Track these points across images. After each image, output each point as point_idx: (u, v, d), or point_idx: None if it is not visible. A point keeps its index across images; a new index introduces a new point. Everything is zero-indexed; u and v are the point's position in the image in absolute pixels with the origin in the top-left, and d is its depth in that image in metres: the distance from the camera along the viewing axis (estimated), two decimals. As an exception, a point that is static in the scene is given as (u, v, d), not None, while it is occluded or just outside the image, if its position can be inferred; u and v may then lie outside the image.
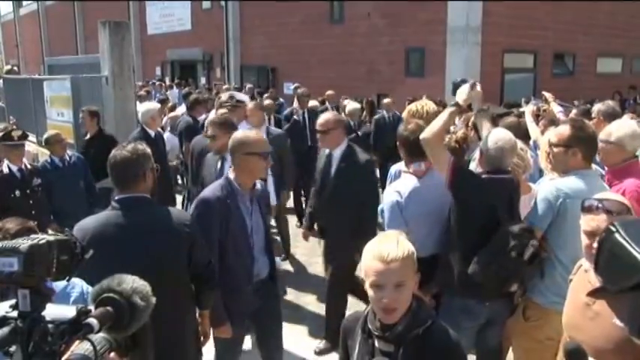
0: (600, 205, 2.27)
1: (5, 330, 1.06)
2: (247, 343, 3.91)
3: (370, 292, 2.03)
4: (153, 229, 2.91)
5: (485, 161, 3.38)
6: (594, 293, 2.17)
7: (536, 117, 5.97)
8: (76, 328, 1.12)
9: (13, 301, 1.14)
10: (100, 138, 7.03)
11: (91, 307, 1.22)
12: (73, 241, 1.21)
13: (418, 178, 3.57)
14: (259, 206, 3.55)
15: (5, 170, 5.55)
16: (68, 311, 1.14)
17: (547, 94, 6.66)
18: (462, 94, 3.43)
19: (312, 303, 5.94)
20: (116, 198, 2.95)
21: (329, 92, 11.65)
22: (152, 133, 6.72)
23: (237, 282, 3.42)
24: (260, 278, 3.57)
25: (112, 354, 1.23)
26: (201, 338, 3.33)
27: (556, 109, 6.27)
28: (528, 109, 5.63)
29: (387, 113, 10.04)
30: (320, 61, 18.15)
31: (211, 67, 23.53)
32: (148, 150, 3.03)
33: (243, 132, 3.74)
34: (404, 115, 4.59)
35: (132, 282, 1.28)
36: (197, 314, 3.28)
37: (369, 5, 16.55)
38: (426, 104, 4.45)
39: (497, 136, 3.39)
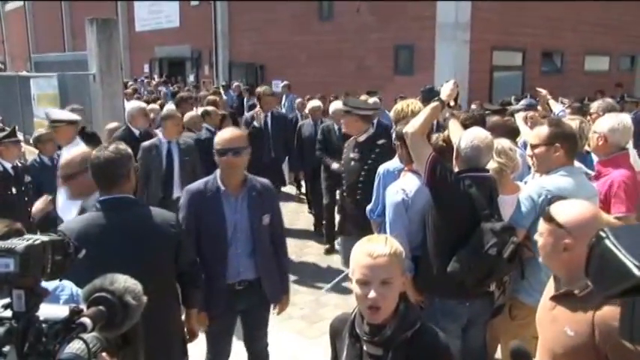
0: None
1: (0, 330, 1.07)
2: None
3: (356, 290, 2.02)
4: (138, 230, 2.90)
5: (461, 160, 3.38)
6: (555, 298, 2.22)
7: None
8: (69, 327, 1.13)
9: (5, 301, 1.14)
10: (82, 136, 6.97)
11: (83, 307, 1.22)
12: (67, 241, 1.22)
13: (420, 177, 3.58)
14: (251, 205, 3.50)
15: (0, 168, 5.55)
16: (61, 311, 1.15)
17: (542, 91, 6.70)
18: (446, 90, 3.49)
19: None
20: (100, 199, 2.94)
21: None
22: (137, 131, 6.67)
23: (211, 274, 3.45)
24: (243, 278, 3.55)
25: (104, 353, 1.23)
26: (188, 337, 3.32)
27: (556, 109, 6.31)
28: (520, 116, 5.60)
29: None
30: (309, 57, 18.12)
31: (200, 64, 23.42)
32: (130, 150, 3.04)
33: (223, 130, 3.74)
34: (391, 114, 4.67)
35: (124, 281, 1.28)
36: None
37: (358, 1, 16.53)
38: (411, 103, 4.46)
39: (473, 134, 3.40)
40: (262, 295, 3.61)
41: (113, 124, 7.00)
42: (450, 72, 14.49)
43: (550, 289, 2.29)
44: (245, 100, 14.14)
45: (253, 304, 3.62)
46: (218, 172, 3.50)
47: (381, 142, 5.01)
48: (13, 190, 5.50)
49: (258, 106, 8.00)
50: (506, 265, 3.14)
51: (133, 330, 1.29)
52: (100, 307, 1.22)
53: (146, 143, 6.05)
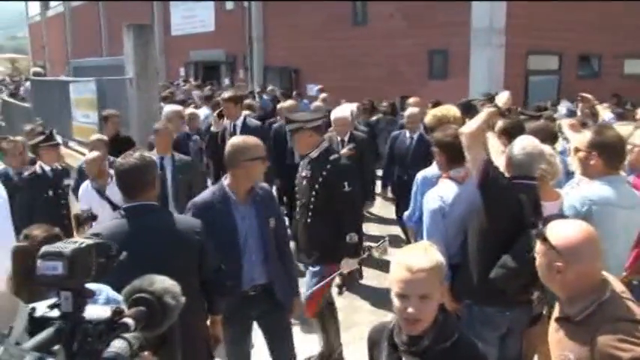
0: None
1: (50, 330, 1.10)
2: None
3: (395, 302, 2.01)
4: (163, 236, 2.93)
5: (512, 166, 3.35)
6: (558, 320, 2.17)
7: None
8: (113, 327, 1.17)
9: (50, 301, 1.18)
10: (117, 140, 7.08)
11: (124, 307, 1.26)
12: (109, 244, 1.26)
13: (458, 184, 3.55)
14: (258, 211, 3.51)
15: (39, 171, 5.69)
16: (104, 311, 1.18)
17: (588, 96, 6.56)
18: (502, 98, 3.49)
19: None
20: (125, 206, 2.98)
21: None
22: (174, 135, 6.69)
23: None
24: (256, 283, 3.55)
25: (146, 352, 1.26)
26: (212, 342, 3.36)
27: (606, 115, 6.16)
28: (566, 123, 5.37)
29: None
30: (342, 62, 18.11)
31: (234, 68, 23.60)
32: (154, 158, 3.08)
33: (241, 137, 3.75)
34: (426, 120, 4.56)
35: (162, 282, 1.33)
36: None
37: (391, 6, 16.49)
38: (451, 109, 4.41)
39: (524, 142, 3.38)
40: (275, 300, 3.61)
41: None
42: (484, 76, 14.37)
43: (557, 308, 2.24)
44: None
45: (267, 309, 3.62)
46: (226, 181, 3.49)
47: (332, 157, 4.42)
48: (50, 193, 5.62)
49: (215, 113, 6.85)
50: None
51: (170, 330, 1.33)
52: (141, 308, 1.26)
53: None
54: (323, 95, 11.06)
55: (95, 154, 5.44)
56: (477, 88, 13.86)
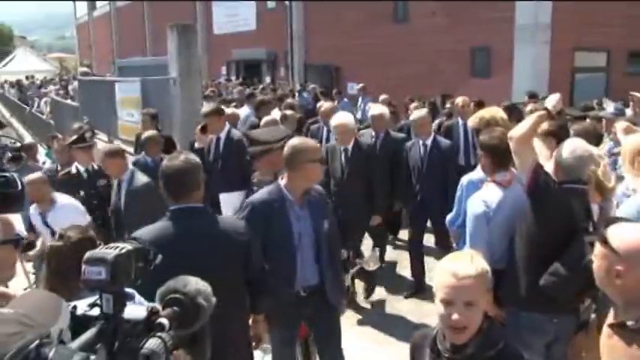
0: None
1: (93, 330, 1.15)
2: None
3: (439, 309, 2.00)
4: (209, 238, 2.96)
5: (561, 171, 3.26)
6: (612, 327, 2.08)
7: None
8: (149, 327, 1.22)
9: (90, 300, 1.25)
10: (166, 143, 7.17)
11: (159, 307, 1.30)
12: (147, 248, 1.30)
13: (503, 188, 3.49)
14: (313, 213, 3.54)
15: (73, 171, 5.81)
16: (141, 312, 1.23)
17: (638, 95, 6.34)
18: (552, 101, 3.39)
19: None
20: (172, 208, 3.01)
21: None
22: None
23: (279, 284, 3.47)
24: (309, 284, 3.58)
25: (179, 350, 1.30)
26: (253, 343, 3.39)
27: None
28: (621, 126, 4.92)
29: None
30: (383, 60, 18.02)
31: (276, 66, 23.74)
32: (199, 160, 3.11)
33: (301, 139, 3.77)
34: (472, 121, 4.40)
35: (195, 284, 1.37)
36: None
37: (433, 3, 16.33)
38: (498, 110, 4.31)
39: (574, 144, 3.29)
40: (326, 300, 3.62)
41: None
42: (528, 74, 14.09)
43: (611, 314, 2.16)
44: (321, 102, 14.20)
45: (318, 310, 3.64)
46: (283, 181, 3.53)
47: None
48: (81, 193, 5.71)
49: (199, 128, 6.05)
50: None
51: (201, 329, 1.37)
52: (175, 308, 1.30)
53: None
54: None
55: (34, 176, 4.90)
56: (521, 87, 13.60)
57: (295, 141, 3.64)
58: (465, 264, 1.99)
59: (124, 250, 1.21)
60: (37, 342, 1.07)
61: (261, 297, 3.31)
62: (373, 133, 6.65)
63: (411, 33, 17.32)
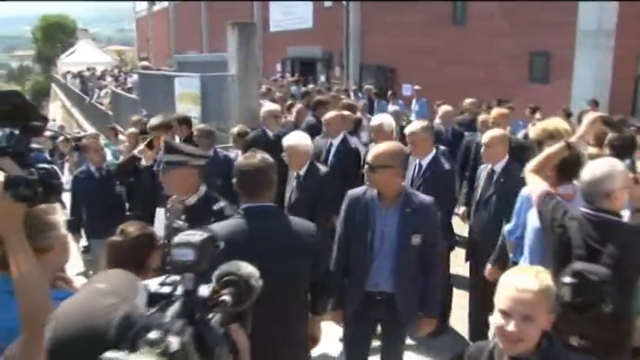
0: None
1: (177, 305, 1.28)
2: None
3: (497, 318, 2.00)
4: (280, 238, 2.99)
5: (581, 193, 3.12)
6: None
7: None
8: (214, 303, 1.36)
9: (159, 279, 1.38)
10: (188, 142, 7.26)
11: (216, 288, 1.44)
12: (216, 236, 1.46)
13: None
14: (401, 221, 3.47)
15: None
16: (206, 290, 1.36)
17: None
18: (584, 126, 3.38)
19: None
20: (245, 206, 3.05)
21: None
22: (271, 133, 6.79)
23: (352, 278, 3.61)
24: (382, 290, 3.57)
25: (235, 324, 1.48)
26: (310, 343, 3.41)
27: None
28: None
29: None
30: (439, 62, 17.86)
31: (331, 65, 23.81)
32: (272, 160, 3.15)
33: (385, 143, 3.77)
34: (534, 133, 4.22)
35: (246, 267, 1.52)
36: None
37: (493, 5, 16.07)
38: (561, 122, 4.20)
39: (595, 166, 3.06)
40: (396, 313, 3.58)
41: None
42: (589, 81, 13.72)
43: None
44: (375, 103, 14.21)
45: (388, 317, 3.63)
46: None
47: (217, 207, 3.61)
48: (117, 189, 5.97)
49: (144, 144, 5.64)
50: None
51: (247, 307, 1.52)
52: (231, 288, 1.44)
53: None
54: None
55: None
56: (580, 94, 13.29)
57: (379, 144, 3.68)
58: (529, 278, 1.98)
59: (206, 236, 1.36)
60: (133, 311, 1.22)
61: (323, 298, 3.38)
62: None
63: (468, 36, 17.11)
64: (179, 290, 1.34)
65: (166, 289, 1.35)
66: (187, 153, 3.66)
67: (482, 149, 4.87)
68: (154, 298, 1.33)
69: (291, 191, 5.11)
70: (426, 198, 3.57)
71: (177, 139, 6.84)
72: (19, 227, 1.81)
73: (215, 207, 3.59)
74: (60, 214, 2.19)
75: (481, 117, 7.44)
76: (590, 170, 2.99)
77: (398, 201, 3.48)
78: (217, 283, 1.45)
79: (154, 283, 1.38)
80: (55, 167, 2.03)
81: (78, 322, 1.25)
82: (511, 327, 1.94)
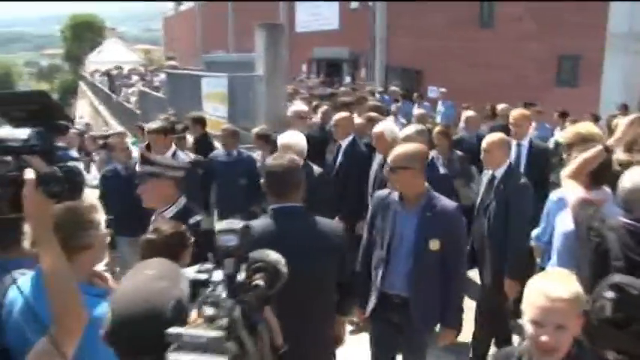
0: None
1: (221, 287, 1.45)
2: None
3: (529, 329, 1.99)
4: (307, 239, 3.03)
5: (620, 202, 2.99)
6: None
7: None
8: (252, 286, 1.52)
9: (195, 267, 1.54)
10: (202, 142, 7.33)
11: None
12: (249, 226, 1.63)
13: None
14: (420, 225, 3.43)
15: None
16: (240, 275, 1.50)
17: None
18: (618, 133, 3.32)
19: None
20: (273, 206, 3.10)
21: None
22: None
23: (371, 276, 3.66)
24: (396, 292, 3.55)
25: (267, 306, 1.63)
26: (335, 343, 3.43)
27: None
28: None
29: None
30: (465, 65, 17.73)
31: (357, 66, 23.77)
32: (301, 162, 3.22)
33: (406, 143, 3.81)
34: (565, 136, 4.17)
35: (273, 254, 1.66)
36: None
37: (521, 8, 15.91)
38: (593, 126, 4.15)
39: (634, 174, 2.98)
40: (411, 318, 3.52)
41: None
42: (618, 86, 13.53)
43: None
44: (401, 105, 14.13)
45: (405, 322, 3.56)
46: None
47: (193, 220, 3.43)
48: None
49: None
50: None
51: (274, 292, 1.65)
52: (262, 274, 1.57)
53: None
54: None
55: None
56: (610, 98, 13.10)
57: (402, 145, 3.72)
58: (559, 286, 1.96)
59: (243, 224, 1.52)
60: (183, 294, 1.40)
61: (349, 299, 3.40)
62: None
63: (496, 38, 16.96)
64: (214, 277, 1.50)
65: (203, 276, 1.51)
66: (163, 164, 3.60)
67: (481, 155, 4.77)
68: (193, 284, 1.48)
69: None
70: (450, 203, 3.51)
71: (189, 139, 6.95)
72: (49, 223, 1.84)
73: (191, 221, 3.41)
74: (100, 212, 2.25)
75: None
76: (631, 178, 2.89)
77: (419, 203, 3.45)
78: (249, 270, 1.57)
79: (190, 271, 1.53)
80: (78, 165, 2.09)
81: (139, 302, 1.36)
82: (545, 337, 1.93)
